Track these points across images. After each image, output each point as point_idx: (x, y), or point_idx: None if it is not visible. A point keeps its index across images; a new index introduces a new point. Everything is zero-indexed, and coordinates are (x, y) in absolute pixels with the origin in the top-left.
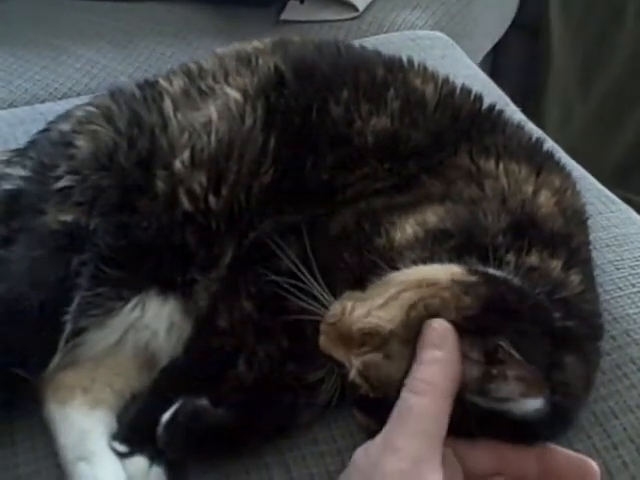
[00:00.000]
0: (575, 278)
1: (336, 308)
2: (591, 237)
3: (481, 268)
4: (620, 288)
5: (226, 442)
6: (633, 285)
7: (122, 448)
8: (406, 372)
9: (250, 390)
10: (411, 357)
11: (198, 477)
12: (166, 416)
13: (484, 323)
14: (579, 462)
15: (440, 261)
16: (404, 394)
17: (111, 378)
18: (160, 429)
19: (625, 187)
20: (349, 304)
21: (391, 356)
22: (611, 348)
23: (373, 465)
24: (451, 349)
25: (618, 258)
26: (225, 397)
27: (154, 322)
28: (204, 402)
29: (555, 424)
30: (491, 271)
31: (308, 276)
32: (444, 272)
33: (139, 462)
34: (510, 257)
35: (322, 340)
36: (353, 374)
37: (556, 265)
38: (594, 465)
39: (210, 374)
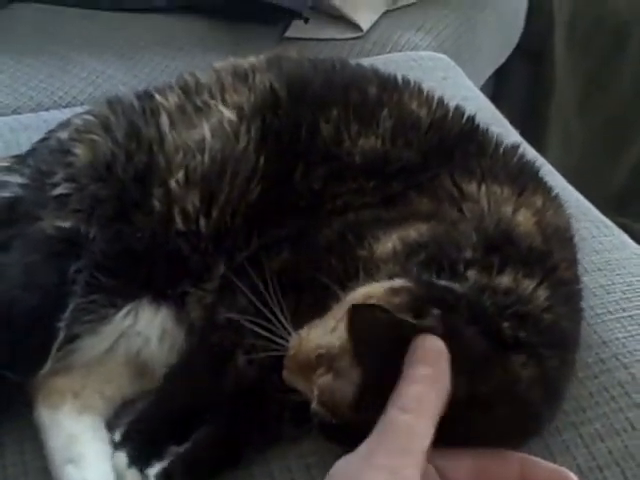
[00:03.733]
0: (542, 294)
1: (294, 339)
2: (583, 261)
3: (427, 277)
4: (610, 312)
5: (221, 461)
6: (624, 309)
7: (117, 437)
8: (356, 392)
9: (247, 390)
10: (360, 371)
11: None
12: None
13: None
14: (559, 474)
15: (408, 273)
16: (391, 410)
17: (102, 385)
18: None
19: (623, 214)
20: (305, 333)
21: (341, 375)
22: (599, 371)
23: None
24: (442, 367)
25: (609, 282)
26: (219, 404)
27: (146, 330)
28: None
29: (515, 423)
30: (439, 282)
31: (275, 310)
32: (384, 284)
33: (120, 458)
34: (472, 274)
35: (285, 373)
36: (314, 404)
37: (528, 284)
38: (574, 478)
39: (210, 373)
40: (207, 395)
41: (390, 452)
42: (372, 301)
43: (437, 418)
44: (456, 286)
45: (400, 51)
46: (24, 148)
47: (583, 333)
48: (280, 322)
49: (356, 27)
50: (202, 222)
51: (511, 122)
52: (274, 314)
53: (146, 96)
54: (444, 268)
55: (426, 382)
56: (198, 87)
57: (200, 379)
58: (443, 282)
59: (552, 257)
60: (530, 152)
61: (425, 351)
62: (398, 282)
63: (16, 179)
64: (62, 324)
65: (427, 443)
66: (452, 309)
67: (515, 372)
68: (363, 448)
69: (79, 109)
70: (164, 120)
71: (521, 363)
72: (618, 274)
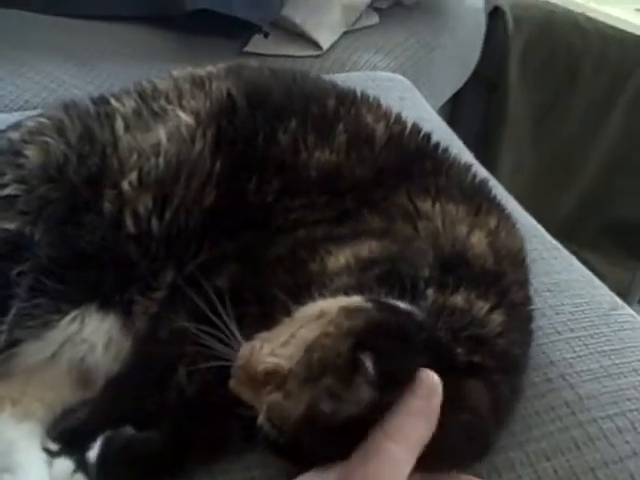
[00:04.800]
0: (497, 318)
1: (245, 350)
2: (533, 282)
3: (383, 298)
4: (559, 332)
5: (160, 467)
6: (571, 330)
7: (53, 447)
8: (304, 413)
9: (189, 404)
10: (310, 396)
11: None
12: (94, 454)
13: (361, 338)
14: None
15: (362, 289)
16: (378, 435)
17: (43, 392)
18: (92, 470)
19: (569, 241)
20: (257, 344)
21: (290, 395)
22: (547, 390)
23: None
24: (434, 404)
25: (558, 303)
26: (162, 415)
27: (92, 337)
28: (129, 430)
29: (465, 447)
30: (394, 302)
31: (224, 318)
32: (338, 302)
33: (64, 464)
34: (430, 292)
35: (232, 383)
36: (261, 419)
37: (482, 306)
38: None
39: (152, 385)
40: (149, 406)
41: (366, 476)
42: (324, 319)
43: (418, 452)
44: (415, 311)
45: (359, 71)
46: None
47: (532, 353)
48: (230, 330)
49: (316, 45)
50: (154, 224)
51: (465, 146)
52: (224, 323)
53: (102, 101)
54: (403, 285)
55: (417, 416)
56: (155, 93)
57: (142, 390)
58: (402, 305)
59: (505, 279)
60: (483, 172)
61: (421, 385)
62: (355, 300)
63: None
64: (3, 327)
65: (407, 472)
66: (407, 338)
67: (468, 398)
68: (338, 469)
69: (31, 112)
70: (119, 124)
71: (474, 388)
72: (567, 295)
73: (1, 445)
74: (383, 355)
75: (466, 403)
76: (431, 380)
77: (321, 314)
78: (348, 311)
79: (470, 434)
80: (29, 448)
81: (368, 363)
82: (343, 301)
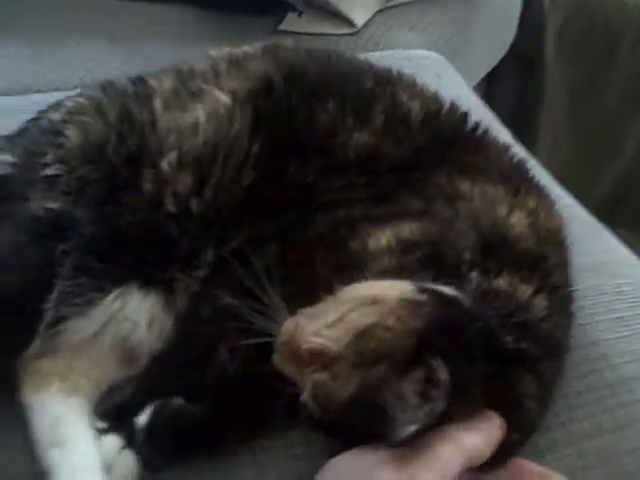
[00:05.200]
0: (540, 302)
1: (288, 325)
2: (574, 262)
3: (432, 286)
4: (600, 313)
5: (203, 441)
6: (613, 310)
7: (100, 425)
8: (353, 395)
9: (231, 382)
10: (361, 382)
11: (166, 467)
12: (143, 420)
13: (424, 343)
14: (546, 476)
15: (405, 271)
16: (437, 437)
17: (89, 368)
18: (140, 436)
19: (609, 220)
20: (301, 321)
21: (337, 378)
22: (589, 371)
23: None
24: (495, 435)
25: (600, 283)
26: (205, 392)
27: (135, 315)
28: (179, 401)
29: (511, 445)
30: (444, 290)
31: (268, 292)
32: (393, 290)
33: (112, 441)
34: (474, 275)
35: (275, 357)
36: (305, 395)
37: (525, 290)
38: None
39: (194, 364)
40: (192, 383)
41: (418, 470)
42: (381, 308)
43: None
44: (462, 297)
45: (393, 49)
46: (12, 129)
47: (573, 333)
48: (274, 304)
49: (350, 23)
50: (193, 203)
51: (501, 123)
52: (268, 296)
53: (140, 81)
54: (446, 268)
55: (487, 437)
56: (193, 73)
57: (184, 368)
58: (451, 292)
59: (547, 261)
60: (521, 152)
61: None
62: (409, 289)
63: (7, 158)
64: (48, 305)
65: (453, 474)
66: (468, 338)
67: (517, 387)
68: (383, 453)
69: (69, 93)
70: (157, 103)
71: (522, 378)
72: (608, 276)
73: (49, 420)
74: (453, 361)
75: (516, 398)
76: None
77: (375, 300)
78: (408, 304)
79: (518, 428)
80: (77, 423)
81: (439, 370)
82: (398, 290)
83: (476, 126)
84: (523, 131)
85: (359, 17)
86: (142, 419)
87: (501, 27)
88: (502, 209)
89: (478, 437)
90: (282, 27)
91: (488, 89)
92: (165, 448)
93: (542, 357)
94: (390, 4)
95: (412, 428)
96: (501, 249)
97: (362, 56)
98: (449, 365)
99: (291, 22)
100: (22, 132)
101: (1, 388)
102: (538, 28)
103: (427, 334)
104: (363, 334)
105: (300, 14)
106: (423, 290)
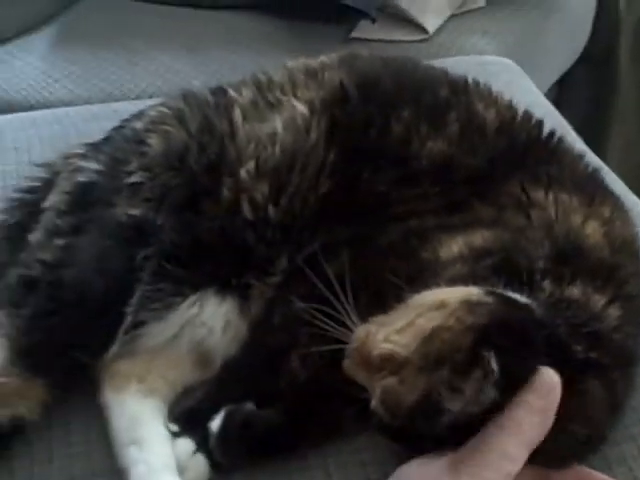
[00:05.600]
0: (613, 312)
1: (360, 332)
2: None
3: (501, 291)
4: None
5: (275, 446)
6: None
7: (174, 428)
8: (417, 399)
9: (302, 388)
10: (426, 385)
11: (237, 469)
12: (216, 425)
13: (483, 334)
14: None
15: (477, 278)
16: (492, 428)
17: (166, 370)
18: (213, 441)
19: None
20: (372, 328)
21: (406, 382)
22: None
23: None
24: (553, 404)
25: None
26: (277, 397)
27: (211, 320)
28: (250, 406)
29: (578, 446)
30: (514, 295)
31: (341, 299)
32: (459, 293)
33: (185, 444)
34: (547, 284)
35: (346, 363)
36: (375, 402)
37: (599, 299)
38: None
39: (266, 370)
40: (264, 389)
41: (480, 469)
42: (445, 310)
43: (531, 449)
44: (534, 305)
45: (465, 55)
46: (96, 137)
47: None
48: (346, 311)
49: (422, 29)
50: (271, 211)
51: (573, 129)
52: (341, 304)
53: (220, 91)
54: (519, 276)
55: (534, 413)
56: (271, 84)
57: (256, 374)
58: (521, 298)
59: (621, 271)
60: (595, 160)
61: (541, 383)
62: (475, 293)
63: (92, 165)
64: (129, 309)
65: (517, 469)
66: (528, 336)
67: (585, 397)
68: (446, 459)
69: (148, 101)
70: (237, 114)
71: (591, 387)
72: None
73: (128, 419)
74: (506, 354)
75: (584, 402)
76: (552, 379)
77: (441, 304)
78: (470, 305)
79: (585, 435)
80: (154, 423)
81: (492, 362)
82: (464, 293)
83: (550, 134)
84: (595, 136)
85: (431, 23)
86: (215, 424)
87: (574, 31)
88: (577, 218)
89: (535, 418)
90: (355, 34)
91: (560, 93)
92: (237, 453)
93: (613, 367)
94: (462, 10)
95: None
96: (575, 258)
97: (437, 63)
98: (501, 357)
99: (363, 29)
100: (106, 140)
101: (83, 389)
102: (613, 31)
103: (483, 328)
104: (429, 338)
105: (373, 21)
106: (490, 293)
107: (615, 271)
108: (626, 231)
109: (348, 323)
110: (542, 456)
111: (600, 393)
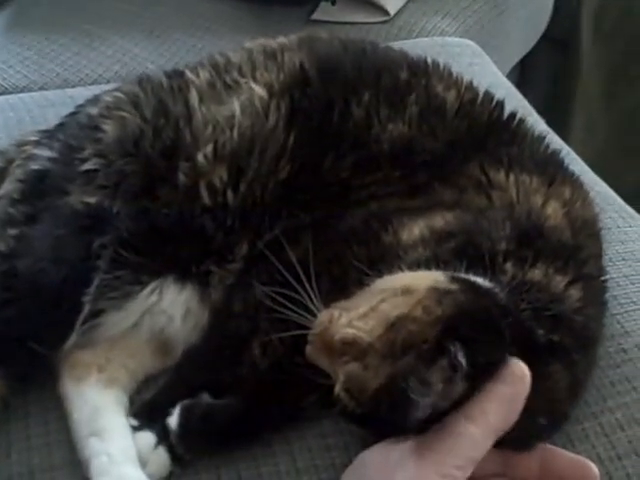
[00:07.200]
0: (575, 293)
1: (323, 317)
2: (608, 251)
3: (464, 276)
4: (634, 302)
5: (237, 435)
6: None
7: (133, 422)
8: (382, 385)
9: (264, 376)
10: (390, 372)
11: (201, 460)
12: (174, 422)
13: (450, 327)
14: (579, 464)
15: (440, 262)
16: (460, 419)
17: (126, 359)
18: (174, 437)
19: None
20: (335, 313)
21: (369, 368)
22: (621, 361)
23: (399, 467)
24: (521, 395)
25: (633, 272)
26: (238, 385)
27: (171, 308)
28: (207, 398)
29: (542, 428)
30: (477, 281)
31: (304, 284)
32: (424, 279)
33: (146, 438)
34: (509, 266)
35: (308, 349)
36: (338, 388)
37: (560, 280)
38: (594, 467)
39: (227, 358)
40: (224, 377)
41: (444, 455)
42: (411, 298)
43: (500, 434)
44: (497, 289)
45: (426, 37)
46: (51, 124)
47: (606, 323)
48: (309, 296)
49: (383, 11)
50: (229, 196)
51: (535, 110)
52: (304, 289)
53: (176, 74)
54: (481, 258)
55: (501, 402)
56: (229, 65)
57: (217, 362)
58: (484, 283)
59: (582, 252)
60: (556, 141)
61: (510, 374)
62: (440, 279)
63: (45, 152)
64: (87, 298)
65: (482, 455)
66: (495, 326)
67: (548, 380)
68: (410, 444)
69: (105, 86)
70: (193, 96)
71: (553, 369)
72: None
73: (88, 410)
74: (473, 345)
75: (547, 386)
76: (521, 371)
77: (406, 290)
78: (437, 293)
79: (549, 417)
80: (115, 414)
81: (459, 355)
82: (429, 279)
83: (511, 116)
84: (557, 116)
85: (392, 5)
86: (172, 421)
87: (536, 12)
88: (537, 199)
89: (502, 408)
90: (315, 16)
91: (521, 74)
92: (199, 446)
93: (575, 348)
94: None
95: (427, 409)
96: (536, 239)
97: (396, 46)
98: (469, 349)
99: (324, 11)
100: (60, 127)
101: (41, 380)
102: (574, 10)
103: (450, 320)
104: (394, 326)
105: (333, 3)
106: (455, 279)
107: (576, 252)
108: (586, 212)
109: (311, 308)
110: (507, 441)
111: (563, 375)
